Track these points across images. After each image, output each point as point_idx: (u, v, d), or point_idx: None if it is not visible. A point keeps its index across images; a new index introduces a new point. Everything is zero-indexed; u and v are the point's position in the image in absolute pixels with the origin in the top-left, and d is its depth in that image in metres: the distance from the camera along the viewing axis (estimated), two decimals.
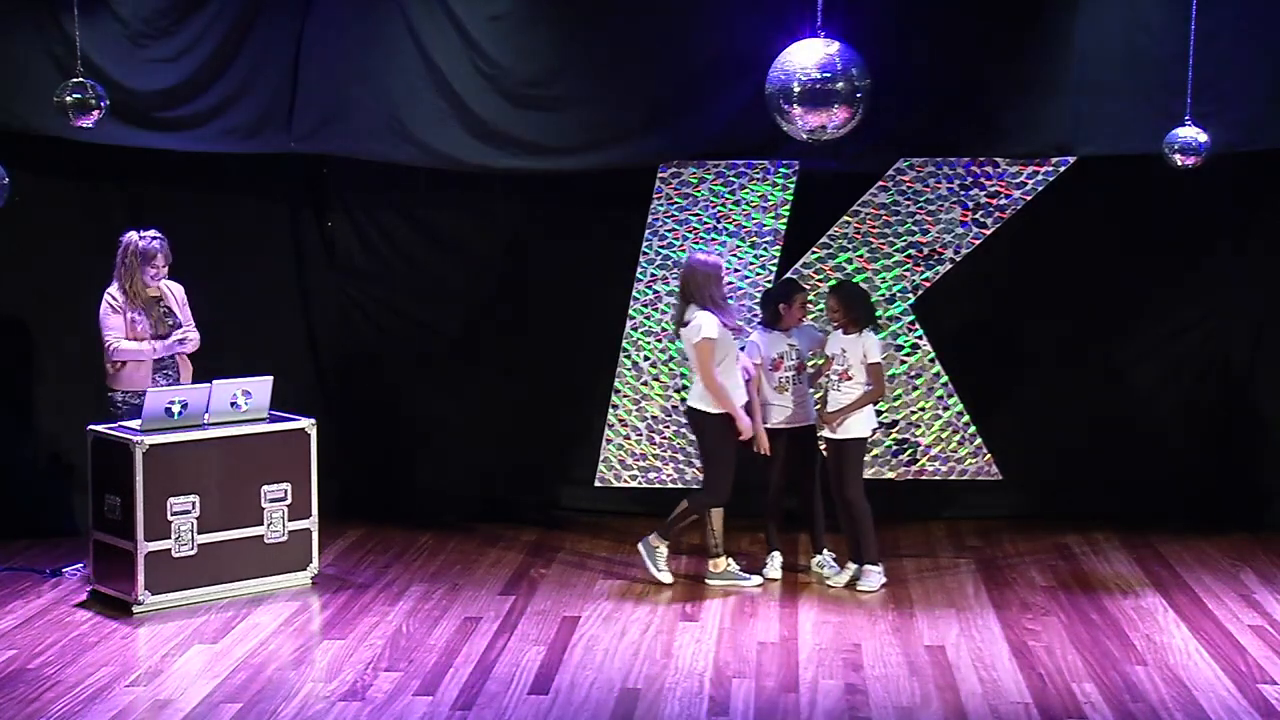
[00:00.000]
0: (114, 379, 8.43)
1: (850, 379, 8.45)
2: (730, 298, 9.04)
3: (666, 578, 8.54)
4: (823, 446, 8.76)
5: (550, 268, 9.85)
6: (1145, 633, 7.73)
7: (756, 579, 8.58)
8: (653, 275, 9.46)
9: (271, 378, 8.46)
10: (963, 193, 9.30)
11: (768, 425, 8.61)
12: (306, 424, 8.47)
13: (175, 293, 8.63)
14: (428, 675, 7.10)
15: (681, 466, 9.51)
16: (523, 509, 9.94)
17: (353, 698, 6.82)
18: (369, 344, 10.05)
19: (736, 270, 9.40)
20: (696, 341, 8.31)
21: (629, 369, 9.52)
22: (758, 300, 9.13)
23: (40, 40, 8.97)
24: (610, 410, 9.51)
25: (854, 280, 9.06)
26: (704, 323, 8.30)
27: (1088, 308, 9.74)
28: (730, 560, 8.64)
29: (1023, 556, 9.13)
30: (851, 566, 8.56)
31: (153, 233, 8.44)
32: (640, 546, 8.62)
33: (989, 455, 9.46)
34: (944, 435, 9.48)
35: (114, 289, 8.42)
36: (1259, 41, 8.74)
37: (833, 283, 9.03)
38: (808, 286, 9.11)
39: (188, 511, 8.09)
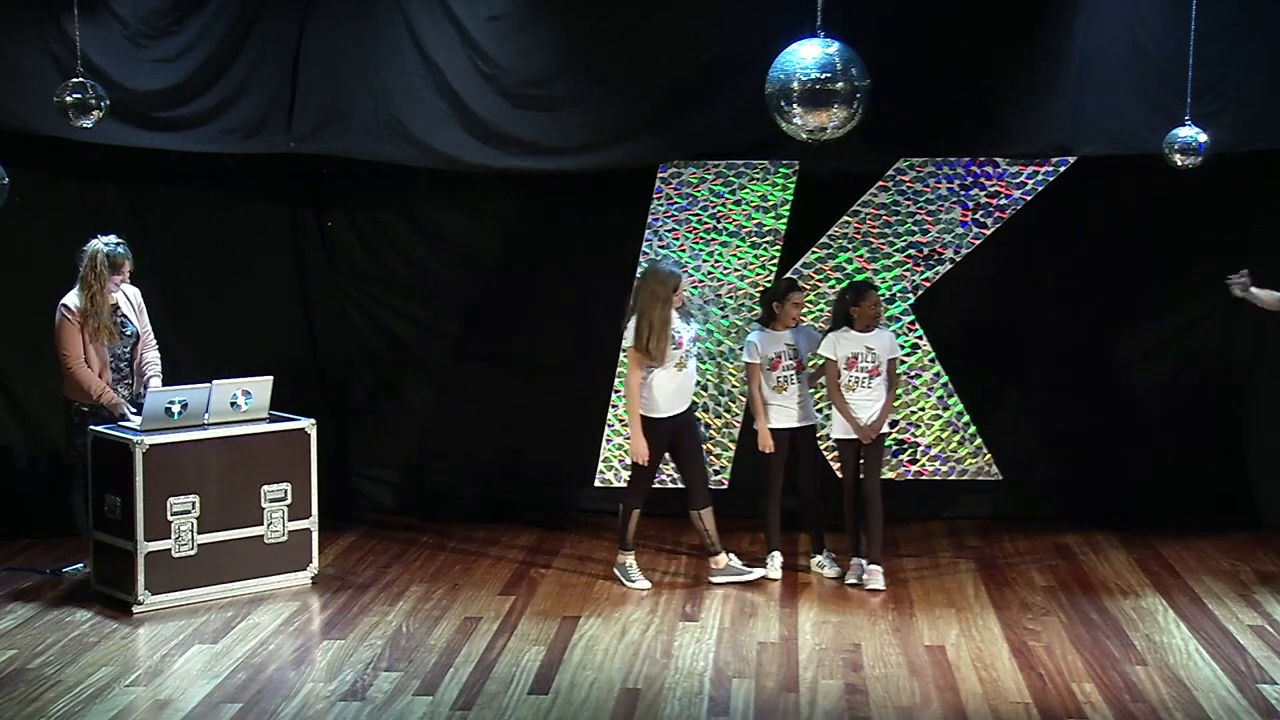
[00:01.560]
0: (70, 389, 8.38)
1: (879, 374, 8.46)
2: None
3: (644, 584, 8.51)
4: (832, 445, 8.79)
5: (550, 268, 9.85)
6: (1145, 633, 7.73)
7: (758, 571, 8.58)
8: None
9: (271, 378, 8.45)
10: (963, 193, 9.31)
11: (767, 425, 8.60)
12: (306, 424, 8.47)
13: (133, 298, 8.58)
14: (428, 675, 7.10)
15: None
16: (523, 509, 9.93)
17: (353, 698, 6.82)
18: (369, 344, 10.06)
19: (736, 270, 9.41)
20: (625, 346, 8.47)
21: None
22: (757, 300, 9.14)
23: (40, 40, 8.95)
24: (610, 410, 9.51)
25: (855, 279, 9.08)
26: (627, 331, 8.41)
27: (1088, 308, 9.74)
28: (730, 555, 8.64)
29: (1023, 556, 9.12)
30: (854, 563, 8.54)
31: (114, 238, 8.39)
32: (615, 570, 8.63)
33: (989, 455, 9.47)
34: (944, 435, 9.49)
35: (73, 301, 8.30)
36: (1259, 42, 8.74)
37: (862, 278, 9.06)
38: (806, 286, 9.11)
39: (188, 511, 8.09)
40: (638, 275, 8.73)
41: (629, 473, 8.81)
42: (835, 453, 8.96)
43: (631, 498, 8.60)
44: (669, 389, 8.41)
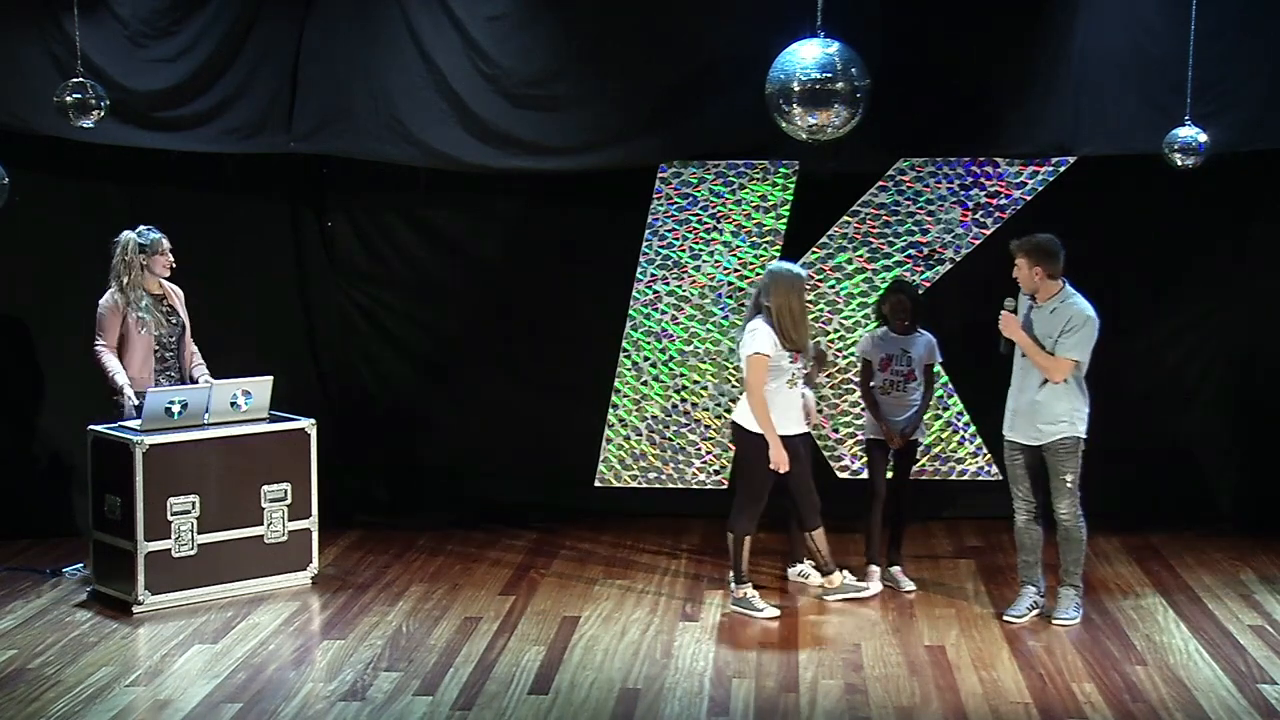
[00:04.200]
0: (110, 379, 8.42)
1: (915, 379, 8.42)
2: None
3: (771, 611, 8.00)
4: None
5: (550, 268, 9.84)
6: (1145, 633, 7.73)
7: (875, 586, 8.28)
8: (653, 275, 9.47)
9: (271, 378, 8.45)
10: (963, 193, 9.31)
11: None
12: (306, 424, 8.47)
13: (178, 294, 8.62)
14: (428, 675, 7.10)
15: (681, 467, 9.51)
16: (523, 509, 9.92)
17: (353, 698, 6.82)
18: (369, 344, 10.05)
19: (736, 270, 9.41)
20: (748, 355, 7.81)
21: (629, 369, 9.52)
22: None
23: (40, 40, 8.97)
24: (610, 410, 9.52)
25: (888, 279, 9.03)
26: (758, 335, 7.80)
27: None
28: (845, 574, 8.31)
29: None
30: (874, 569, 8.48)
31: (146, 227, 8.43)
32: (733, 606, 8.07)
33: (989, 455, 9.46)
34: (944, 435, 9.49)
35: (105, 298, 8.36)
36: (1259, 41, 8.75)
37: (892, 280, 8.94)
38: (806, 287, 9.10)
39: (188, 511, 8.09)
40: (759, 281, 8.07)
41: (737, 495, 8.16)
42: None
43: (735, 522, 8.00)
44: (782, 406, 7.88)
